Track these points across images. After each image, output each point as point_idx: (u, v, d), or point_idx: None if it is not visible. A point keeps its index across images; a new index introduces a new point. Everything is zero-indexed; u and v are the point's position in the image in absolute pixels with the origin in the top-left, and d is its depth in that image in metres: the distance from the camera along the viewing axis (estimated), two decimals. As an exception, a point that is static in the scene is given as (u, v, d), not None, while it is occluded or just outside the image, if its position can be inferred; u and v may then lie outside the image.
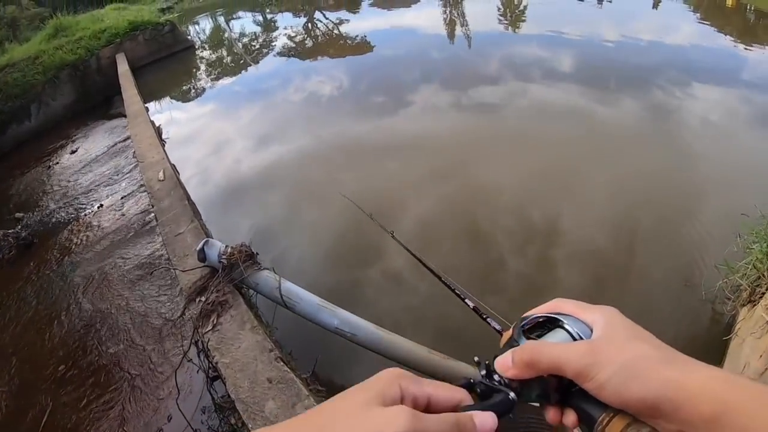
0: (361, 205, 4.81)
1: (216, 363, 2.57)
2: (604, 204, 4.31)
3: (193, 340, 2.96)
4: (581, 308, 0.61)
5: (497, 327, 1.15)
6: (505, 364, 0.57)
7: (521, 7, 12.44)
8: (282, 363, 2.40)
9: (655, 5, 11.17)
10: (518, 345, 0.59)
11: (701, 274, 3.36)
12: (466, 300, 1.68)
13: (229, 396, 2.48)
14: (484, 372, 0.59)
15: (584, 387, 0.53)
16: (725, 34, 8.44)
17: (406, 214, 4.62)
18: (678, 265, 3.55)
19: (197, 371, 3.23)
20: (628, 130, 5.47)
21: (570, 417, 0.56)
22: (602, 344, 0.54)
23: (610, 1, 12.11)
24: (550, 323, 0.61)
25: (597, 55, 8.04)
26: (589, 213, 4.24)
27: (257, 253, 2.97)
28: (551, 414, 0.58)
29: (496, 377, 0.58)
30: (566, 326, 0.59)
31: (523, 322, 0.62)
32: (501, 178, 4.89)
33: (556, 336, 0.59)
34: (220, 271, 2.94)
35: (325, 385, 2.67)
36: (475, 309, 1.59)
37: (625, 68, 7.21)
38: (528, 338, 0.60)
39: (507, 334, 0.63)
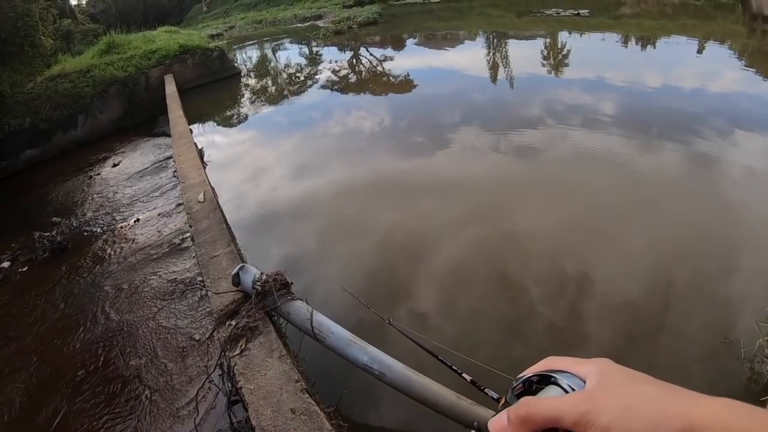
0: (394, 244, 4.88)
1: (240, 388, 2.58)
2: (639, 256, 4.21)
3: (218, 363, 3.00)
4: (574, 363, 0.59)
5: (495, 395, 1.15)
6: (500, 424, 0.56)
7: (564, 52, 12.61)
8: (307, 395, 2.42)
9: (700, 50, 11.22)
10: None
11: (740, 331, 3.27)
12: (463, 374, 1.69)
13: (248, 422, 2.50)
14: None
15: None
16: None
17: (436, 256, 4.63)
18: (715, 322, 3.44)
19: (217, 393, 3.25)
20: (667, 180, 5.38)
21: None
22: (599, 391, 0.53)
23: (654, 47, 12.20)
24: (543, 381, 0.60)
25: (639, 101, 8.00)
26: (623, 264, 4.15)
27: (292, 283, 3.02)
28: None
29: None
30: (559, 381, 0.57)
31: (515, 384, 0.61)
32: (535, 225, 4.85)
33: (549, 392, 0.58)
34: (253, 297, 2.99)
35: (348, 420, 2.68)
36: (472, 381, 1.59)
37: (666, 115, 7.14)
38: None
39: (502, 401, 0.63)
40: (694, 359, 3.23)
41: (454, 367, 1.84)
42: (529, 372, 0.62)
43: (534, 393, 0.59)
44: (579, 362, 0.59)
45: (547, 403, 0.54)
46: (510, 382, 0.62)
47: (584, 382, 0.56)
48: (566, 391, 0.56)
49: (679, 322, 3.52)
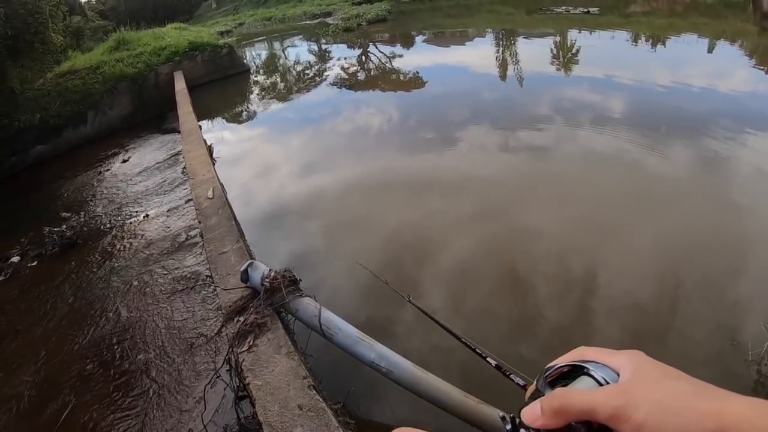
0: (401, 241, 4.88)
1: (247, 384, 2.58)
2: (647, 256, 4.18)
3: (226, 358, 3.01)
4: (606, 354, 0.58)
5: (521, 382, 1.13)
6: (534, 414, 0.55)
7: (574, 50, 12.54)
8: (314, 391, 2.42)
9: (710, 50, 11.12)
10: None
11: (748, 333, 3.23)
12: (488, 358, 1.66)
13: (254, 417, 2.50)
14: (509, 427, 0.58)
15: (620, 431, 0.49)
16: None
17: (445, 253, 4.63)
18: (722, 324, 3.41)
19: (224, 389, 3.26)
20: (676, 180, 5.33)
21: None
22: (634, 385, 0.52)
23: (665, 45, 12.11)
24: (574, 372, 0.58)
25: (648, 100, 7.91)
26: (631, 265, 4.11)
27: (300, 280, 3.02)
28: None
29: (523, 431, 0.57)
30: (592, 373, 0.56)
31: (547, 373, 0.60)
32: (543, 223, 4.82)
33: (582, 383, 0.56)
34: (261, 293, 2.99)
35: (354, 417, 2.68)
36: (497, 366, 1.56)
37: (676, 115, 7.08)
38: (553, 389, 0.57)
39: (531, 388, 0.62)
40: (702, 360, 3.20)
41: (478, 350, 1.81)
42: (561, 361, 0.60)
43: (565, 383, 0.58)
44: (611, 353, 0.58)
45: (581, 395, 0.53)
46: (541, 370, 0.60)
47: (617, 375, 0.55)
48: (600, 383, 0.55)
49: (687, 323, 3.49)
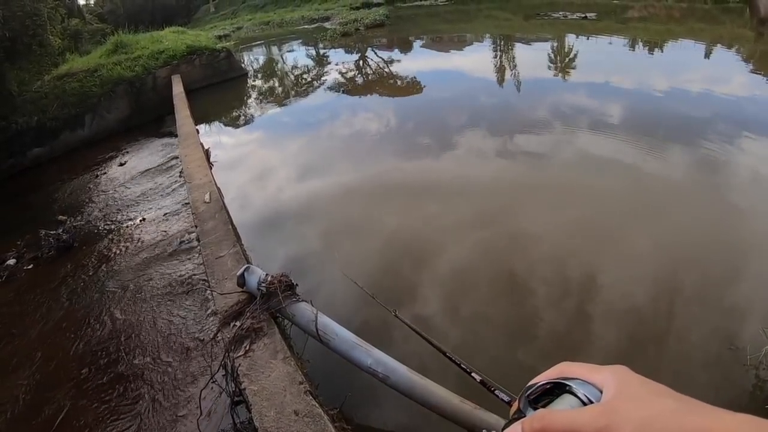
0: (400, 246, 4.87)
1: (243, 389, 2.58)
2: (645, 260, 4.18)
3: (222, 363, 3.00)
4: (589, 370, 0.57)
5: (505, 398, 1.12)
6: None
7: (571, 55, 12.58)
8: (311, 397, 2.41)
9: (707, 55, 11.17)
10: (525, 416, 0.56)
11: (746, 338, 3.23)
12: (473, 374, 1.66)
13: (250, 423, 2.49)
14: None
15: None
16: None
17: (441, 257, 4.62)
18: (720, 328, 3.41)
19: (220, 394, 3.24)
20: (674, 185, 5.35)
21: None
22: (617, 403, 0.50)
23: (662, 50, 12.16)
24: (557, 389, 0.57)
25: (645, 105, 7.96)
26: (628, 269, 4.12)
27: (297, 285, 3.02)
28: None
29: None
30: (574, 390, 0.55)
31: (528, 391, 0.59)
32: (541, 228, 4.82)
33: (564, 402, 0.55)
34: (258, 298, 2.99)
35: (351, 423, 2.67)
36: (482, 382, 1.56)
37: (673, 120, 7.11)
38: (535, 408, 0.56)
39: (515, 406, 0.60)
40: (700, 365, 3.20)
41: (463, 365, 1.80)
42: (542, 378, 0.59)
43: (548, 401, 0.57)
44: (594, 369, 0.57)
45: (564, 415, 0.52)
46: (523, 389, 0.59)
47: (600, 392, 0.54)
48: (583, 402, 0.54)
49: (685, 327, 3.49)
